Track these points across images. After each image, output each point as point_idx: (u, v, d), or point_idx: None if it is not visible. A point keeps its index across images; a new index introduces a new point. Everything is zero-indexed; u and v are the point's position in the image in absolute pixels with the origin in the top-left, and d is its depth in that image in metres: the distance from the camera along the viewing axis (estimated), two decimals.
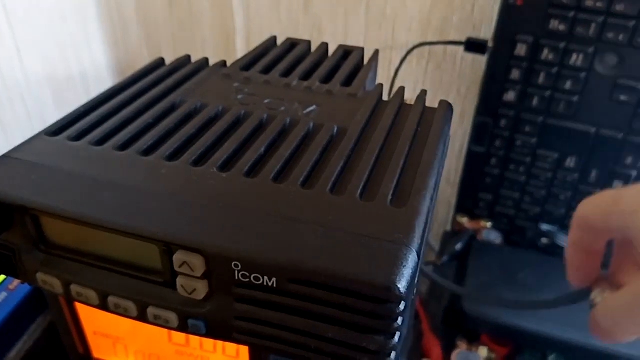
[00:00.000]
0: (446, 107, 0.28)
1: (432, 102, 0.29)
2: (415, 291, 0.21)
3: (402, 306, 0.18)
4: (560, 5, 0.37)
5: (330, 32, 0.50)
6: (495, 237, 0.45)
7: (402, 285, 0.18)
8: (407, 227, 0.20)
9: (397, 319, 0.19)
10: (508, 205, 0.45)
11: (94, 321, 0.28)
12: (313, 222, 0.20)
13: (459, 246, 0.44)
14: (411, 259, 0.19)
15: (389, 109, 0.27)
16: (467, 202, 0.47)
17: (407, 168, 0.23)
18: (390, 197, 0.21)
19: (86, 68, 0.55)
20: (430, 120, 0.27)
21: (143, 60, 0.59)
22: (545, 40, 0.38)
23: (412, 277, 0.19)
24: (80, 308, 0.28)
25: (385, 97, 0.29)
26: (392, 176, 0.22)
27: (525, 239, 0.45)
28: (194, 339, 0.27)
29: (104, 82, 0.57)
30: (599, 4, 0.36)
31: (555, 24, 0.37)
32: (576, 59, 0.38)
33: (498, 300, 0.36)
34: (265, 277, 0.19)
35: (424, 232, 0.21)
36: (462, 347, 0.39)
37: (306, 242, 0.19)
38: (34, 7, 0.46)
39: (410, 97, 0.30)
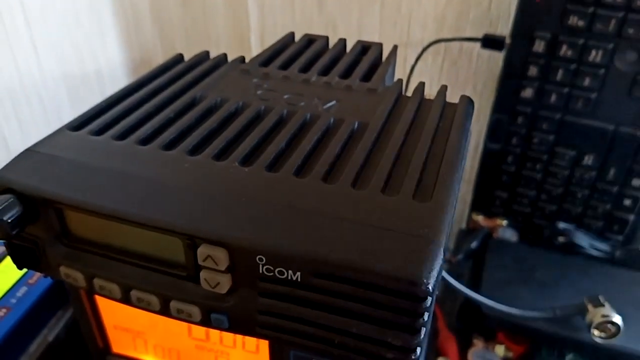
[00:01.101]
0: (467, 102, 0.28)
1: (448, 99, 0.29)
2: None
3: (428, 302, 0.18)
4: (579, 1, 0.36)
5: (344, 30, 0.50)
6: (511, 235, 0.45)
7: (429, 280, 0.18)
8: (433, 222, 0.20)
9: (422, 315, 0.19)
10: (524, 203, 0.45)
11: (114, 315, 0.28)
12: (336, 215, 0.20)
13: (474, 244, 0.44)
14: (438, 255, 0.19)
15: (409, 104, 0.27)
16: (482, 200, 0.46)
17: (430, 162, 0.23)
18: (413, 191, 0.21)
19: (101, 66, 0.55)
20: (451, 115, 0.27)
21: (157, 57, 0.59)
22: (563, 37, 0.38)
23: (438, 272, 0.18)
24: (101, 302, 0.28)
25: None
26: (415, 170, 0.22)
27: (541, 237, 0.45)
28: (214, 334, 0.27)
29: (118, 79, 0.58)
30: (618, 0, 0.35)
31: (574, 20, 0.37)
32: (595, 55, 0.37)
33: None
34: (290, 271, 0.19)
35: (448, 227, 0.20)
36: (478, 345, 0.38)
37: (331, 236, 0.19)
38: (49, 6, 0.47)
39: (426, 94, 0.29)
